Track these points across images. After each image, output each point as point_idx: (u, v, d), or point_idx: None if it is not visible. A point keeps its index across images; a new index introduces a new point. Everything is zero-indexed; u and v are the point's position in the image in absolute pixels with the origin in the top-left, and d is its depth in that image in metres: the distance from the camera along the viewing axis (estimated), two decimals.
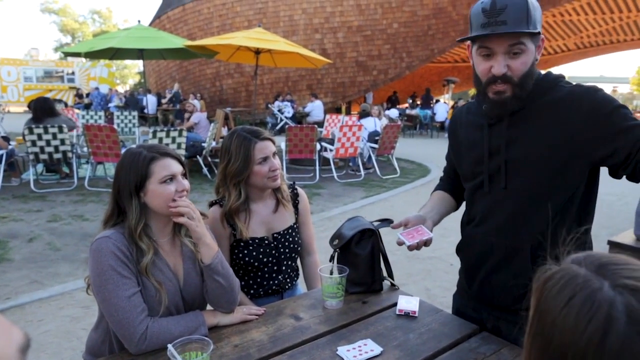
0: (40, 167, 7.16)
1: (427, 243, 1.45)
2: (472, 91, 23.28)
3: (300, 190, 1.98)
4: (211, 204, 1.83)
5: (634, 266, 0.53)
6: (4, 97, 23.23)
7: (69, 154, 6.43)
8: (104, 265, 1.29)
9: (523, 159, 1.33)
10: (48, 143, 6.21)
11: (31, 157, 6.28)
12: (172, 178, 1.40)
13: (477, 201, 1.48)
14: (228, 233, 1.78)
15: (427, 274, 3.90)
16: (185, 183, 1.44)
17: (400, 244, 1.44)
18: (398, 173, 8.38)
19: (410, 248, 1.44)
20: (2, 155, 6.32)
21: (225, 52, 9.79)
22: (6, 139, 6.69)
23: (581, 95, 1.26)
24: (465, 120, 1.52)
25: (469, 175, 1.51)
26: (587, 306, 0.50)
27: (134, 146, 1.49)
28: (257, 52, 9.18)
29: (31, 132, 6.09)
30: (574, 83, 1.35)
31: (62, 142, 6.28)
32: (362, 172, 8.11)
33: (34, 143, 6.14)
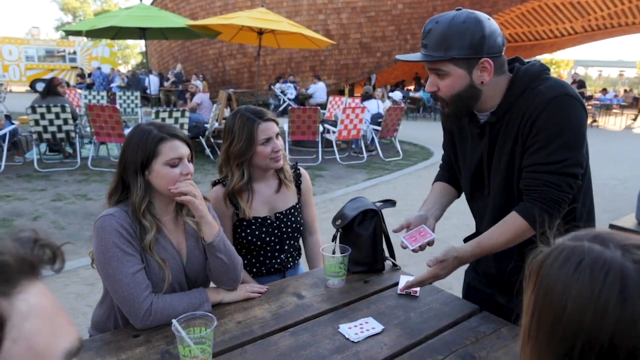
0: (43, 147, 7.17)
1: (430, 243, 1.47)
2: None
3: (302, 171, 1.98)
4: (214, 184, 1.83)
5: (625, 234, 0.54)
6: (6, 76, 23.12)
7: (72, 134, 6.43)
8: (108, 243, 1.31)
9: (496, 169, 1.39)
10: (51, 122, 6.21)
11: (34, 136, 6.28)
12: (178, 161, 1.40)
13: (472, 201, 1.56)
14: (231, 212, 1.79)
15: (428, 255, 3.90)
16: (191, 167, 1.44)
17: (404, 247, 1.48)
18: (400, 155, 8.36)
19: (415, 251, 1.47)
20: (5, 134, 6.33)
21: (228, 32, 9.68)
22: (8, 117, 6.68)
23: (542, 106, 1.26)
24: (457, 125, 1.53)
25: (461, 177, 1.58)
26: (599, 265, 0.50)
27: (144, 122, 1.48)
28: (260, 32, 9.07)
29: (34, 111, 6.08)
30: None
31: (65, 121, 6.28)
32: (365, 155, 8.10)
33: (37, 122, 6.14)
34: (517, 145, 1.32)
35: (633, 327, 0.46)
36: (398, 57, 1.44)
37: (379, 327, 1.33)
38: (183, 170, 1.40)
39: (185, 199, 1.39)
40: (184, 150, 1.42)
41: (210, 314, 1.18)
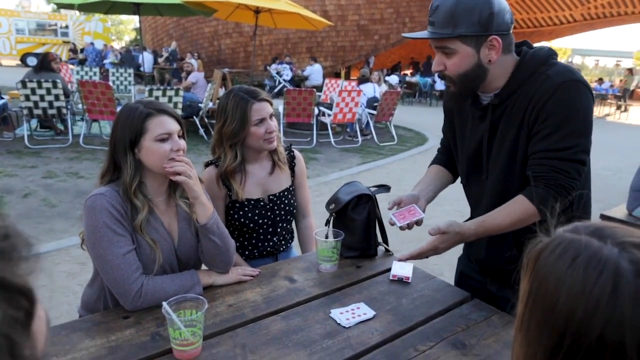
0: (34, 123, 7.06)
1: (418, 223, 1.47)
2: None
3: (297, 153, 1.96)
4: (207, 165, 1.81)
5: (627, 228, 0.53)
6: None
7: (64, 110, 6.34)
8: (98, 223, 1.29)
9: (497, 153, 1.37)
10: (42, 98, 6.10)
11: (25, 112, 6.18)
12: (167, 136, 1.37)
13: (468, 186, 1.55)
14: (223, 194, 1.77)
15: (420, 241, 3.92)
16: (182, 143, 1.41)
17: (392, 224, 1.48)
18: (395, 140, 8.34)
19: (402, 228, 1.47)
20: None
21: (224, 10, 9.51)
22: None
23: (551, 91, 1.24)
24: (458, 106, 1.51)
25: (458, 160, 1.56)
26: (594, 262, 0.49)
27: (133, 101, 1.45)
28: (257, 11, 8.92)
29: (25, 85, 5.97)
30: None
31: (57, 97, 6.17)
32: (360, 139, 8.07)
33: (27, 97, 6.03)
34: (522, 130, 1.30)
35: (621, 325, 0.46)
36: (405, 35, 1.41)
37: (370, 313, 1.33)
38: (173, 147, 1.37)
39: (179, 178, 1.36)
40: (172, 125, 1.39)
41: (201, 297, 1.17)
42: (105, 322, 1.26)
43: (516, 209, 1.29)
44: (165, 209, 1.47)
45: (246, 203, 1.79)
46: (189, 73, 8.37)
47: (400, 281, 1.54)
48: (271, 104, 1.79)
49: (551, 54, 1.32)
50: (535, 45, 1.38)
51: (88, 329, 1.22)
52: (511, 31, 1.29)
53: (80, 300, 1.54)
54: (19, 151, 6.13)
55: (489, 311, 1.37)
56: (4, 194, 4.58)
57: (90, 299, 1.47)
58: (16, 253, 0.42)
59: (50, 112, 6.26)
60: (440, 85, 16.26)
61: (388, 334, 1.24)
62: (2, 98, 6.59)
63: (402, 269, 1.58)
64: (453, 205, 4.24)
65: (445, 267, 3.49)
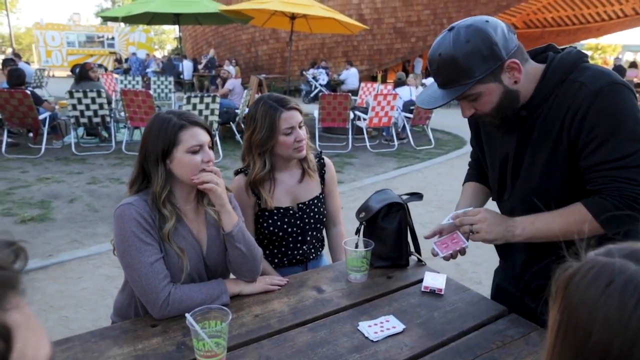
0: (81, 131, 7.38)
1: (462, 252, 1.39)
2: None
3: (327, 160, 1.93)
4: (236, 173, 1.81)
5: None
6: (49, 61, 23.97)
7: (107, 118, 6.59)
8: (126, 232, 1.30)
9: (528, 170, 1.28)
10: (87, 107, 6.37)
11: (72, 120, 6.47)
12: (199, 148, 1.38)
13: (499, 203, 1.46)
14: (253, 202, 1.77)
15: (456, 259, 3.82)
16: (211, 153, 1.42)
17: (435, 255, 1.41)
18: (433, 144, 8.17)
19: (446, 259, 1.40)
20: (46, 117, 6.54)
21: (260, 17, 9.66)
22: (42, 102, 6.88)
23: (589, 99, 1.13)
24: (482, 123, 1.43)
25: (489, 176, 1.48)
26: (631, 287, 0.44)
27: (162, 111, 1.47)
28: (293, 17, 9.00)
29: (72, 95, 6.25)
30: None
31: (101, 106, 6.43)
32: (396, 142, 7.96)
33: (74, 107, 6.31)
34: (561, 145, 1.19)
35: None
36: (419, 104, 1.33)
37: (400, 327, 1.28)
38: (204, 158, 1.38)
39: (207, 186, 1.37)
40: (204, 137, 1.40)
41: (225, 308, 1.16)
42: (133, 330, 1.27)
43: (571, 214, 1.18)
44: (194, 217, 1.47)
45: (275, 211, 1.78)
46: (224, 79, 8.53)
47: (433, 293, 1.48)
48: (301, 113, 1.77)
49: (580, 57, 1.21)
50: (582, 42, 1.28)
51: (117, 336, 1.24)
52: (516, 41, 1.19)
53: (112, 307, 1.57)
54: (66, 158, 6.42)
55: (527, 327, 1.29)
56: (51, 199, 4.80)
57: (121, 306, 1.49)
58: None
59: (95, 120, 6.52)
60: None
61: (418, 349, 1.19)
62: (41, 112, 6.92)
63: (434, 280, 1.52)
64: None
65: (483, 276, 3.37)
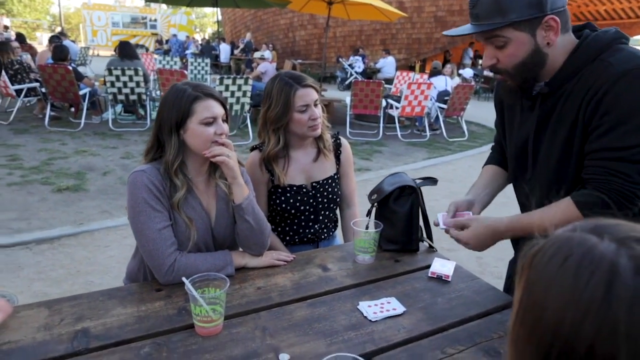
0: (119, 108, 7.62)
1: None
2: None
3: (343, 141, 1.91)
4: (252, 149, 1.82)
5: (634, 225, 0.44)
6: (94, 40, 24.78)
7: (143, 96, 6.76)
8: (138, 198, 1.34)
9: (547, 151, 1.22)
10: (125, 85, 6.54)
11: (110, 97, 6.67)
12: (213, 120, 1.39)
13: (516, 187, 1.42)
14: (266, 178, 1.77)
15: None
16: (225, 126, 1.43)
17: (436, 224, 1.43)
18: (466, 136, 7.97)
19: (446, 231, 1.40)
20: (86, 93, 6.78)
21: (298, 1, 9.60)
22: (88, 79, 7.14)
23: (612, 80, 1.05)
24: (507, 95, 1.36)
25: (508, 157, 1.44)
26: (587, 261, 0.41)
27: (180, 82, 1.49)
28: (330, 2, 8.90)
29: (110, 73, 6.44)
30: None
31: (138, 84, 6.59)
32: (428, 133, 7.81)
33: (112, 84, 6.50)
34: (577, 128, 1.13)
35: (614, 334, 0.37)
36: (445, 33, 1.27)
37: (400, 309, 1.26)
38: (217, 130, 1.39)
39: (219, 158, 1.38)
40: (218, 109, 1.41)
41: (223, 276, 1.17)
42: (139, 293, 1.31)
43: (557, 211, 1.14)
44: (204, 189, 1.49)
45: (288, 189, 1.78)
46: (258, 65, 8.58)
47: (439, 279, 1.45)
48: (317, 91, 1.76)
49: (618, 37, 1.13)
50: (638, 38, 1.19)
51: (123, 297, 1.28)
52: (566, 6, 1.13)
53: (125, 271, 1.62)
54: (103, 133, 6.65)
55: None
56: (87, 171, 4.99)
57: (132, 270, 1.54)
58: None
59: (132, 97, 6.70)
60: None
61: (415, 332, 1.17)
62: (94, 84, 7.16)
63: (442, 267, 1.49)
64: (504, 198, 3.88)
65: (505, 270, 3.28)
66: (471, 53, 16.51)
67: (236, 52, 16.33)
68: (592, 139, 1.11)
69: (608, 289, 0.39)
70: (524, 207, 1.38)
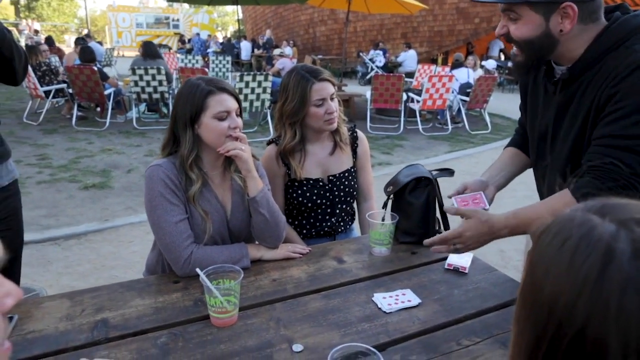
0: (143, 107, 7.77)
1: None
2: None
3: (360, 134, 1.90)
4: (269, 142, 1.83)
5: None
6: (120, 42, 25.32)
7: (166, 95, 6.87)
8: (154, 192, 1.36)
9: (565, 137, 1.18)
10: (148, 84, 6.67)
11: (134, 96, 6.81)
12: (226, 114, 1.40)
13: (535, 172, 1.39)
14: (282, 172, 1.78)
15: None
16: (239, 120, 1.44)
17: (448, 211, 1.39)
18: (489, 129, 7.82)
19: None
20: (110, 93, 6.94)
21: None
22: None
23: (631, 67, 1.01)
24: (533, 77, 1.34)
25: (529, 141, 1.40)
26: (584, 243, 0.40)
27: (194, 77, 1.51)
28: None
29: (134, 72, 6.57)
30: None
31: (160, 83, 6.71)
32: (450, 126, 7.69)
33: (136, 83, 6.63)
34: (591, 114, 1.10)
35: (605, 318, 0.36)
36: None
37: (415, 300, 1.25)
38: (231, 124, 1.40)
39: (232, 152, 1.39)
40: (231, 103, 1.42)
41: (237, 268, 1.18)
42: (157, 285, 1.34)
43: (555, 203, 1.11)
44: (220, 183, 1.51)
45: (305, 182, 1.78)
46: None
47: (456, 271, 1.43)
48: (334, 85, 1.75)
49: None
50: None
51: (141, 289, 1.31)
52: None
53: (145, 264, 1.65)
54: (128, 132, 6.79)
55: None
56: (112, 168, 5.11)
57: (151, 263, 1.57)
58: None
59: (155, 96, 6.82)
60: None
61: (430, 324, 1.16)
62: (119, 84, 7.32)
63: (459, 258, 1.46)
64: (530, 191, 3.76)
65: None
66: (501, 44, 16.06)
67: (256, 50, 16.41)
68: (602, 124, 1.07)
69: (602, 271, 0.38)
70: (541, 194, 1.35)
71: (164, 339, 1.08)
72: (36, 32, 19.00)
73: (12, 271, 1.74)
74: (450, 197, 1.44)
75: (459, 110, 7.90)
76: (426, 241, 1.37)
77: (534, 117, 1.32)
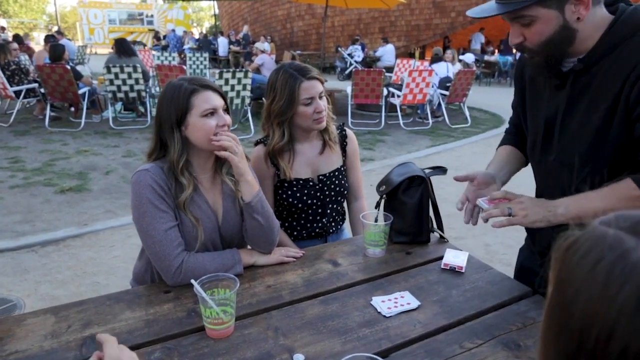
0: (119, 106, 7.58)
1: (510, 215, 1.20)
2: None
3: (349, 132, 1.87)
4: (256, 143, 1.78)
5: None
6: (92, 39, 24.65)
7: (143, 93, 6.71)
8: (142, 198, 1.30)
9: (577, 131, 1.15)
10: (124, 82, 6.49)
11: (109, 95, 6.62)
12: (213, 112, 1.35)
13: (534, 166, 1.34)
14: (272, 173, 1.74)
15: (489, 229, 3.67)
16: (227, 118, 1.39)
17: (484, 219, 1.25)
18: (469, 122, 7.90)
19: (489, 215, 1.22)
20: (85, 92, 6.73)
21: None
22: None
23: None
24: (531, 72, 1.30)
25: (528, 137, 1.35)
26: (619, 269, 0.38)
27: (176, 79, 1.45)
28: None
29: (109, 71, 6.39)
30: None
31: (137, 81, 6.54)
32: (430, 120, 7.74)
33: (111, 82, 6.45)
34: (619, 106, 1.06)
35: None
36: (469, 13, 1.20)
37: (414, 303, 1.23)
38: (219, 122, 1.35)
39: (225, 154, 1.34)
40: (217, 101, 1.37)
41: (233, 276, 1.14)
42: (147, 295, 1.28)
43: (617, 191, 1.06)
44: (210, 187, 1.46)
45: (295, 183, 1.74)
46: (256, 56, 8.51)
47: (452, 271, 1.41)
48: (322, 83, 1.71)
49: None
50: None
51: (130, 300, 1.25)
52: None
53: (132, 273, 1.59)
54: (104, 132, 6.61)
55: None
56: (89, 170, 4.96)
57: (139, 272, 1.51)
58: None
59: (131, 95, 6.65)
60: None
61: (432, 327, 1.14)
62: (93, 83, 7.12)
63: (455, 258, 1.45)
64: (528, 192, 3.81)
65: (514, 258, 3.24)
66: (482, 38, 16.20)
67: (232, 46, 16.19)
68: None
69: (638, 307, 0.36)
70: (547, 189, 1.30)
71: (158, 354, 1.03)
72: (2, 29, 18.32)
73: None
74: (457, 179, 1.35)
75: (439, 104, 7.95)
76: (486, 199, 1.25)
77: (536, 113, 1.29)
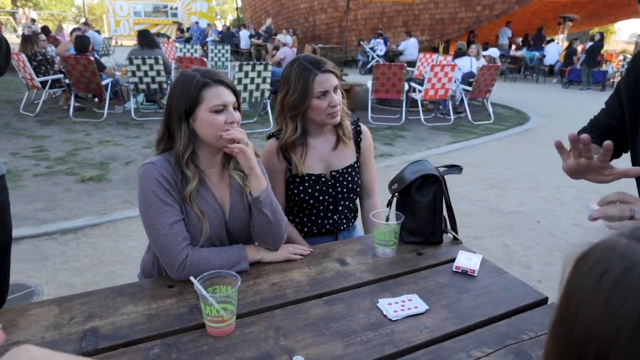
0: (141, 97, 7.67)
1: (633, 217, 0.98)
2: (593, 30, 20.07)
3: (363, 128, 1.83)
4: (269, 137, 1.75)
5: None
6: (117, 31, 25.05)
7: (164, 85, 6.76)
8: (147, 191, 1.29)
9: None
10: (146, 74, 6.56)
11: (132, 86, 6.70)
12: (223, 108, 1.33)
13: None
14: (283, 167, 1.71)
15: (508, 229, 3.60)
16: (237, 115, 1.36)
17: (591, 219, 1.01)
18: (492, 119, 7.72)
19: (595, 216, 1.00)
20: (108, 83, 6.83)
21: None
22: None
23: None
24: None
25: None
26: (624, 282, 0.35)
27: (190, 69, 1.42)
28: None
29: (131, 62, 6.46)
30: None
31: (158, 73, 6.60)
32: (452, 116, 7.60)
33: (133, 73, 6.52)
34: None
35: None
36: None
37: (422, 307, 1.19)
38: (228, 118, 1.33)
39: (235, 147, 1.31)
40: (228, 97, 1.34)
41: (234, 274, 1.12)
42: (151, 289, 1.27)
43: None
44: (218, 181, 1.44)
45: (307, 178, 1.71)
46: (277, 48, 8.47)
47: (464, 274, 1.36)
48: (337, 76, 1.67)
49: None
50: None
51: (134, 294, 1.24)
52: None
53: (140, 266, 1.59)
54: (126, 123, 6.70)
55: None
56: (110, 160, 5.04)
57: (147, 265, 1.51)
58: None
59: (153, 87, 6.72)
60: (550, 59, 14.63)
61: (439, 333, 1.10)
62: (117, 75, 7.22)
63: (468, 261, 1.40)
64: (550, 192, 3.74)
65: (534, 259, 3.15)
66: (509, 33, 15.77)
67: (253, 39, 16.20)
68: None
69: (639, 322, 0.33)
70: None
71: (157, 350, 1.02)
72: (33, 21, 18.76)
73: (1, 269, 1.68)
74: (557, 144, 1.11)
75: (462, 100, 7.79)
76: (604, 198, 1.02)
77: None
